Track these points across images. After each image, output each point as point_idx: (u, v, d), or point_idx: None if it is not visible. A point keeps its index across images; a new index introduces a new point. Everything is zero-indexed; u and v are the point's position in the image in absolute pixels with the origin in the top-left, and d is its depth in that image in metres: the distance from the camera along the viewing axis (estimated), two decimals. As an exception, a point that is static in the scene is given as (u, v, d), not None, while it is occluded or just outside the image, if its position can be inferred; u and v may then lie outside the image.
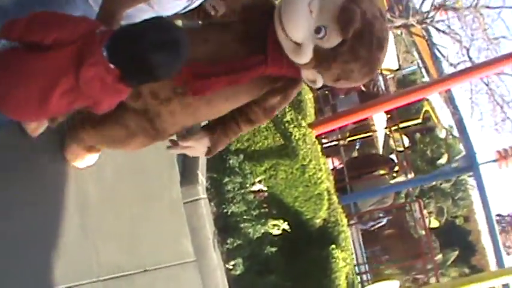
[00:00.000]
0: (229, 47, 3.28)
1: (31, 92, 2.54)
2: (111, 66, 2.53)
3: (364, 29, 3.06)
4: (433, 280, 17.90)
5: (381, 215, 19.33)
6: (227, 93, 3.31)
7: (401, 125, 17.35)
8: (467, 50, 13.59)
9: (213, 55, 3.23)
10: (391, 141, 19.97)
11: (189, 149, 3.52)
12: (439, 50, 14.55)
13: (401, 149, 18.37)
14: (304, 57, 3.13)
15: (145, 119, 3.42)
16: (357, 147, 20.83)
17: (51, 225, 3.85)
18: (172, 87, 3.22)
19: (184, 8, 3.24)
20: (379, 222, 19.65)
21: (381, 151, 20.13)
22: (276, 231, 6.98)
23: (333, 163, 15.99)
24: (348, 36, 3.04)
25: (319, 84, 3.25)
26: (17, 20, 2.53)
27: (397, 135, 18.38)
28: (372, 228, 19.66)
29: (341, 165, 15.86)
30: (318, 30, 3.06)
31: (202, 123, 3.75)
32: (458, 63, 13.72)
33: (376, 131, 18.25)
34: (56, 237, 3.83)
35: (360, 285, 10.66)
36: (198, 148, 3.50)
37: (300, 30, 3.06)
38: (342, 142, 17.01)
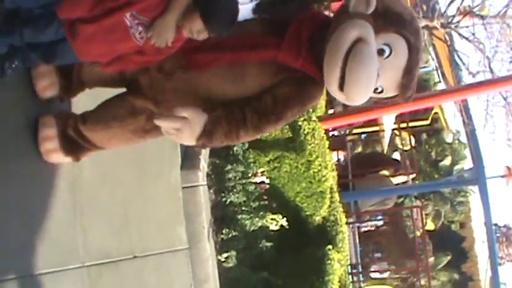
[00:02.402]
0: (249, 29, 3.19)
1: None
2: None
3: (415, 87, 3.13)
4: (423, 282, 17.86)
5: (379, 217, 19.23)
6: (233, 74, 3.13)
7: (411, 124, 17.16)
8: (489, 60, 13.33)
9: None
10: (397, 140, 19.79)
11: (183, 124, 2.97)
12: (459, 57, 14.31)
13: (408, 148, 18.19)
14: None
15: (149, 98, 3.28)
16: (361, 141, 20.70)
17: (38, 200, 3.64)
18: (177, 59, 3.11)
19: None
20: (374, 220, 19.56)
21: (386, 148, 19.95)
22: (273, 226, 6.80)
23: (337, 156, 15.83)
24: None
25: None
26: None
27: (405, 134, 18.18)
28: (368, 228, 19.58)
29: (345, 161, 15.71)
30: (375, 90, 3.05)
31: None
32: (478, 73, 13.49)
33: (384, 130, 18.08)
34: (43, 214, 3.63)
35: (351, 285, 10.49)
36: (192, 125, 2.98)
37: (365, 99, 3.01)
38: (349, 138, 16.87)
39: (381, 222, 20.13)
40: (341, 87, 2.91)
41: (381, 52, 2.96)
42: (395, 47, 2.98)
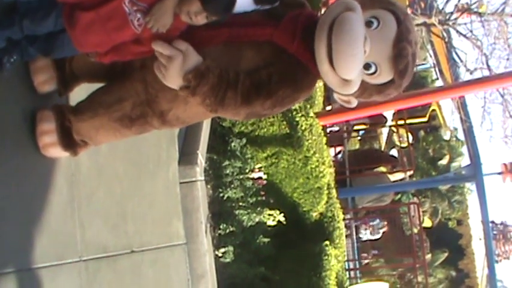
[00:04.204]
0: (248, 15, 3.13)
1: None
2: None
3: (410, 63, 3.03)
4: (420, 278, 17.86)
5: (375, 216, 19.24)
6: (229, 56, 3.13)
7: (408, 121, 17.17)
8: (487, 57, 13.36)
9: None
10: (395, 137, 19.78)
11: (176, 53, 2.98)
12: (457, 54, 14.33)
13: (405, 145, 18.19)
14: (352, 90, 3.06)
15: (138, 79, 3.27)
16: (359, 138, 20.67)
17: (36, 195, 3.64)
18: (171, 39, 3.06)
19: None
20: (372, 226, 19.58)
21: (383, 145, 19.95)
22: (270, 222, 6.81)
23: (335, 151, 15.84)
24: (402, 81, 3.06)
25: (354, 105, 3.21)
26: None
27: (402, 130, 18.18)
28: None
29: (342, 157, 15.73)
30: (367, 67, 3.01)
31: None
32: (475, 70, 13.51)
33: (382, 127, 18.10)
34: (40, 209, 3.64)
35: (348, 281, 10.50)
36: (184, 58, 2.98)
37: (355, 72, 2.96)
38: (346, 134, 16.88)
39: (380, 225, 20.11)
40: (330, 58, 2.91)
41: (368, 24, 2.98)
42: (383, 19, 2.99)
